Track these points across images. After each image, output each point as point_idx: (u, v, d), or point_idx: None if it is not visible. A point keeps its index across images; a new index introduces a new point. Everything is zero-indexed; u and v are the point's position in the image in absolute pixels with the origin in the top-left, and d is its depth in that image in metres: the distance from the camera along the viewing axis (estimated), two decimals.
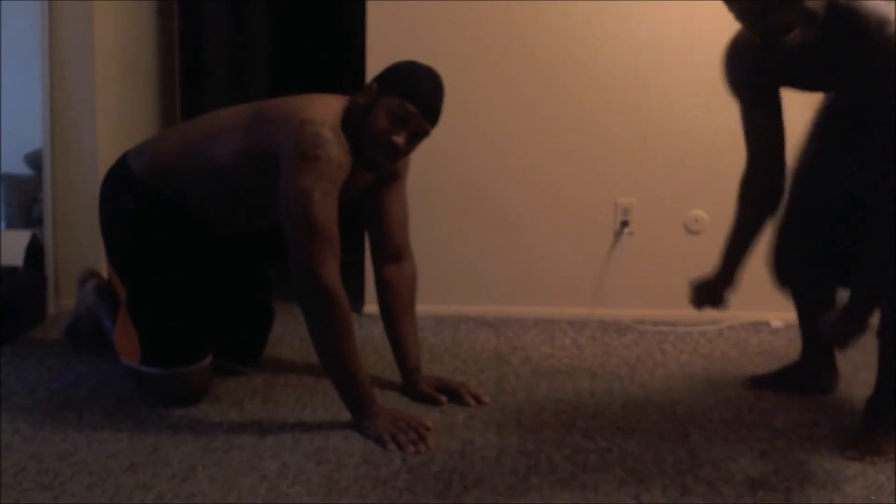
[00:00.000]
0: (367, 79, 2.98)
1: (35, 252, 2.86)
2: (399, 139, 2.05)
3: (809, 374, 2.29)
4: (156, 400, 2.11)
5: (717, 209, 2.88)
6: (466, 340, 2.75)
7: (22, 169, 3.00)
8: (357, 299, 3.06)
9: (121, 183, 2.23)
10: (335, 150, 1.98)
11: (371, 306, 3.03)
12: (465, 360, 2.54)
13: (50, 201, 2.90)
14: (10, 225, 3.00)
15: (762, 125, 2.03)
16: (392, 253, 2.32)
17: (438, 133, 3.03)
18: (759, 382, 2.32)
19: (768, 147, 2.05)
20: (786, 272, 2.19)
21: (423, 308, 3.03)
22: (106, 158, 2.91)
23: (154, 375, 2.12)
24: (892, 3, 1.76)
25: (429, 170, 3.02)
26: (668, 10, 2.88)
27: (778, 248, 2.18)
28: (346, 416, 2.07)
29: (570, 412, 2.14)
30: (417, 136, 2.10)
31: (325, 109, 2.03)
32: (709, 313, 2.86)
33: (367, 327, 2.87)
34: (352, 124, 2.05)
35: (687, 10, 2.87)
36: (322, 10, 5.40)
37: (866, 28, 1.73)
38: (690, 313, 2.87)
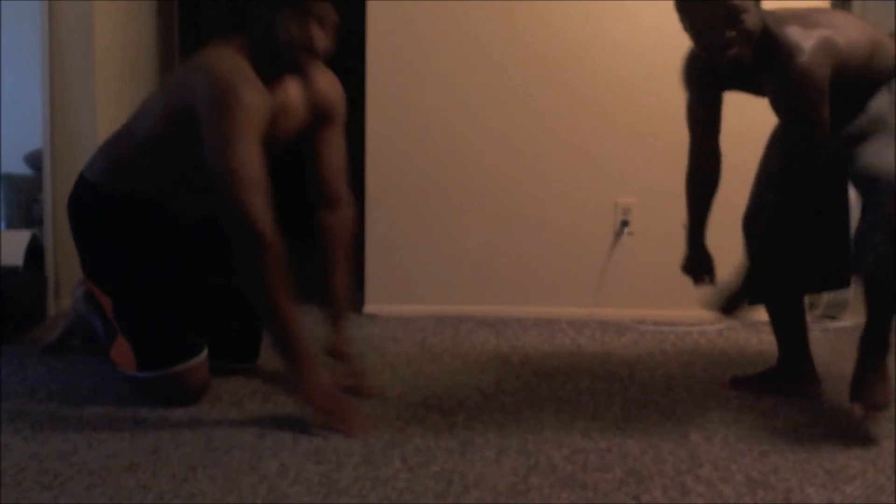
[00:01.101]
0: (368, 79, 2.98)
1: (35, 252, 2.86)
2: (313, 34, 2.03)
3: (789, 379, 2.30)
4: (156, 401, 2.11)
5: (717, 209, 2.88)
6: (466, 340, 2.75)
7: (22, 169, 3.00)
8: (357, 299, 3.07)
9: (81, 196, 2.25)
10: (248, 93, 1.97)
11: (371, 306, 3.04)
12: (465, 360, 2.54)
13: (50, 201, 2.90)
14: (10, 225, 3.00)
15: (705, 120, 2.24)
16: (329, 198, 2.30)
17: (438, 133, 3.05)
18: (739, 383, 2.33)
19: (708, 139, 2.26)
20: (760, 287, 2.25)
21: (423, 308, 3.04)
22: None
23: (152, 379, 2.12)
24: (817, 32, 1.96)
25: (429, 169, 3.02)
26: (669, 9, 2.86)
27: (751, 262, 2.24)
28: None
29: (570, 412, 2.14)
30: (327, 25, 2.07)
31: (231, 55, 2.02)
32: (709, 313, 2.89)
33: (368, 327, 2.87)
34: (262, 57, 2.04)
35: None
36: None
37: (781, 51, 1.96)
38: (690, 313, 2.89)
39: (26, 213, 3.02)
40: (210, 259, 2.34)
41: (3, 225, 3.00)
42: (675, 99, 2.93)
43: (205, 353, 2.17)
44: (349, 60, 3.21)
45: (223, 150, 1.96)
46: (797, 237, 2.17)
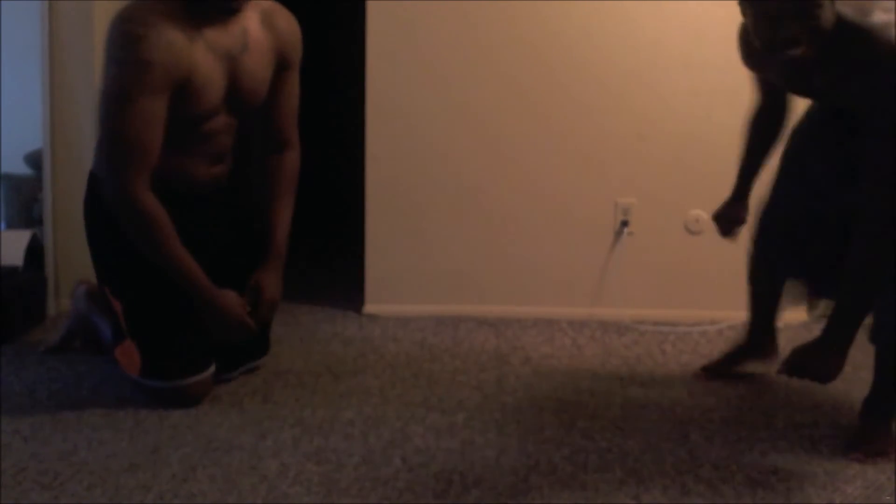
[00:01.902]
0: (368, 79, 2.98)
1: (35, 252, 2.86)
2: None
3: (753, 353, 2.37)
4: (156, 403, 2.11)
5: None
6: (466, 340, 2.75)
7: (22, 169, 3.00)
8: (357, 299, 3.06)
9: (93, 193, 2.20)
10: (155, 51, 1.92)
11: (371, 306, 3.04)
12: (465, 360, 2.54)
13: (50, 201, 2.90)
14: (10, 225, 3.00)
15: (768, 81, 2.11)
16: (279, 143, 2.29)
17: (438, 133, 3.05)
18: (711, 369, 2.40)
19: (775, 92, 2.14)
20: (759, 268, 2.29)
21: (423, 308, 3.04)
22: None
23: (156, 388, 2.12)
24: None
25: (428, 170, 3.02)
26: (669, 9, 2.87)
27: (756, 243, 2.26)
28: (346, 416, 2.08)
29: (570, 412, 2.14)
30: None
31: (151, 6, 1.97)
32: (709, 313, 2.89)
33: (368, 327, 2.87)
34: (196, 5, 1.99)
35: (687, 11, 2.87)
36: (322, 10, 5.40)
37: (877, 55, 1.72)
38: (690, 313, 2.89)
39: (26, 213, 3.01)
40: (222, 238, 2.28)
41: (3, 225, 3.00)
42: (675, 99, 2.94)
43: (211, 369, 2.15)
44: (349, 61, 3.21)
45: (112, 112, 1.96)
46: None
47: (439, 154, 3.01)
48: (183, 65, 1.97)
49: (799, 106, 2.18)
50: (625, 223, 2.98)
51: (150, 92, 1.93)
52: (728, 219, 2.32)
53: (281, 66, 2.21)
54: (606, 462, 1.85)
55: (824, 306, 2.91)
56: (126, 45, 1.94)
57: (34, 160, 2.96)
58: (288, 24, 2.21)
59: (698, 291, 2.95)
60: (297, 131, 2.32)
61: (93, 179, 2.21)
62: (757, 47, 1.86)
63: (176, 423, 2.01)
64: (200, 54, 2.01)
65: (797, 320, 2.71)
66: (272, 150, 2.28)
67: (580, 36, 2.93)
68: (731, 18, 2.01)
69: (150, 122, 1.95)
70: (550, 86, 2.97)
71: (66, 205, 2.92)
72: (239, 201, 2.37)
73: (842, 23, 1.75)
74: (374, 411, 2.11)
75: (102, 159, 2.00)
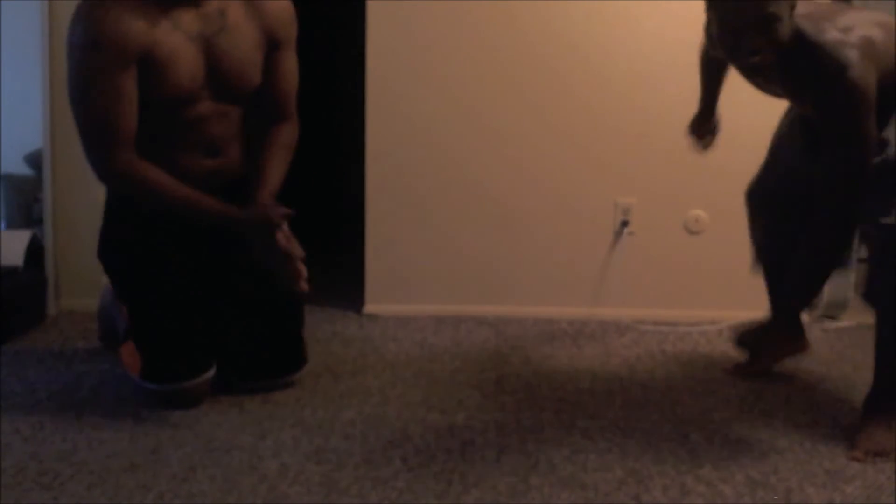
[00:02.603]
0: (368, 79, 2.98)
1: (35, 252, 2.86)
2: None
3: (782, 336, 2.33)
4: (155, 403, 2.11)
5: (717, 209, 2.89)
6: (466, 340, 2.75)
7: (22, 169, 3.00)
8: (357, 299, 3.06)
9: (108, 196, 2.23)
10: (104, 29, 1.94)
11: (371, 306, 3.04)
12: (465, 360, 2.54)
13: (50, 201, 2.90)
14: (10, 225, 3.00)
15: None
16: (278, 118, 2.26)
17: (438, 133, 3.05)
18: (744, 370, 2.38)
19: None
20: (758, 256, 2.33)
21: (423, 308, 3.04)
22: None
23: (152, 390, 2.12)
24: (856, 34, 1.86)
25: (429, 169, 3.02)
26: (669, 9, 2.87)
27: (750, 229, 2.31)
28: (345, 416, 2.08)
29: (570, 412, 2.14)
30: None
31: None
32: (709, 313, 2.89)
33: (368, 327, 2.87)
34: None
35: (688, 10, 2.85)
36: (322, 10, 5.40)
37: (822, 61, 1.85)
38: (690, 313, 2.89)
39: (26, 213, 3.01)
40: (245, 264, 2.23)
41: (3, 225, 2.99)
42: (675, 99, 2.93)
43: (210, 373, 2.13)
44: (349, 60, 3.21)
45: (78, 98, 2.00)
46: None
47: (440, 154, 3.01)
48: (138, 40, 1.97)
49: None
50: (625, 223, 2.98)
51: (108, 69, 1.95)
52: (703, 127, 2.35)
53: (272, 46, 2.19)
54: (606, 462, 1.85)
55: (823, 306, 2.92)
56: (77, 28, 1.98)
57: (34, 160, 2.96)
58: (274, 3, 2.18)
59: (698, 291, 2.95)
60: (295, 109, 2.29)
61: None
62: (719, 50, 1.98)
63: (176, 423, 2.01)
64: (162, 32, 2.00)
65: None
66: (269, 124, 2.26)
67: (581, 35, 2.93)
68: None
69: (116, 99, 1.96)
70: (551, 86, 2.97)
71: (66, 205, 2.92)
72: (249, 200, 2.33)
73: (799, 36, 1.86)
74: (374, 411, 2.11)
75: (82, 145, 2.02)
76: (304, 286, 2.06)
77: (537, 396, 2.24)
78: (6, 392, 2.18)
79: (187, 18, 2.04)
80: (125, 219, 2.18)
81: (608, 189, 2.99)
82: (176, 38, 2.02)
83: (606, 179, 2.99)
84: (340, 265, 3.44)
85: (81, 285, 2.94)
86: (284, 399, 2.18)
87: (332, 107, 3.79)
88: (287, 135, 2.26)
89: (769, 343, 2.27)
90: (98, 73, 1.96)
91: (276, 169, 2.19)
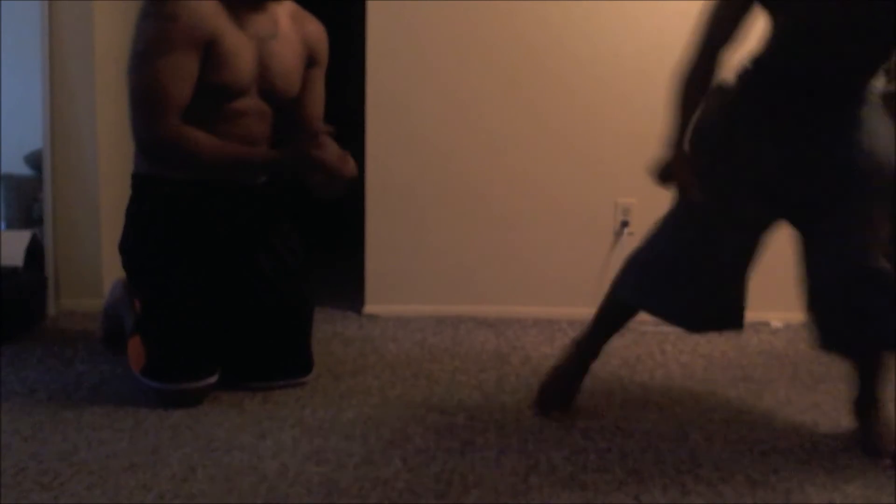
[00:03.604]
0: (368, 79, 2.98)
1: (35, 252, 2.86)
2: None
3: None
4: (155, 401, 2.11)
5: None
6: (466, 340, 2.75)
7: (22, 169, 3.00)
8: (357, 299, 3.06)
9: (133, 193, 2.23)
10: (178, 8, 1.99)
11: (371, 306, 3.04)
12: (465, 360, 2.54)
13: (50, 201, 2.90)
14: (10, 225, 3.00)
15: (733, 18, 1.96)
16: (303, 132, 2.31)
17: (438, 133, 3.05)
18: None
19: (725, 41, 1.98)
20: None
21: (423, 308, 3.04)
22: (106, 158, 2.92)
23: (153, 388, 2.12)
24: None
25: (428, 170, 3.02)
26: (670, 9, 2.87)
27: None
28: (345, 416, 2.08)
29: (570, 412, 2.14)
30: None
31: None
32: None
33: (368, 327, 2.87)
34: None
35: (688, 10, 2.86)
36: (322, 10, 5.40)
37: None
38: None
39: (26, 213, 3.01)
40: (258, 236, 2.27)
41: (3, 225, 3.00)
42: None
43: (213, 378, 2.13)
44: (349, 60, 3.21)
45: (139, 65, 2.01)
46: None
47: (439, 154, 3.02)
48: (207, 26, 2.04)
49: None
50: (625, 223, 2.99)
51: (178, 43, 2.00)
52: (682, 171, 2.12)
53: (310, 62, 2.30)
54: (606, 462, 1.85)
55: None
56: (151, 4, 2.02)
57: (34, 160, 2.96)
58: (315, 26, 2.32)
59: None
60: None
61: (133, 179, 2.23)
62: None
63: (176, 423, 2.01)
64: (226, 25, 2.08)
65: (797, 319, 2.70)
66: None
67: (580, 35, 2.93)
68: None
69: (176, 72, 2.01)
70: (551, 86, 2.97)
71: (66, 205, 2.93)
72: (277, 203, 2.35)
73: None
74: (374, 411, 2.11)
75: (130, 115, 2.04)
76: (348, 173, 2.10)
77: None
78: (6, 392, 2.18)
79: (246, 18, 2.13)
80: (147, 216, 2.18)
81: (608, 189, 2.99)
82: (237, 35, 2.11)
83: (606, 179, 2.99)
84: (340, 265, 3.44)
85: (81, 285, 2.95)
86: (284, 399, 2.18)
87: (332, 107, 3.78)
88: None
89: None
90: (168, 44, 2.00)
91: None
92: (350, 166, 2.11)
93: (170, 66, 2.00)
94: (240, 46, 2.10)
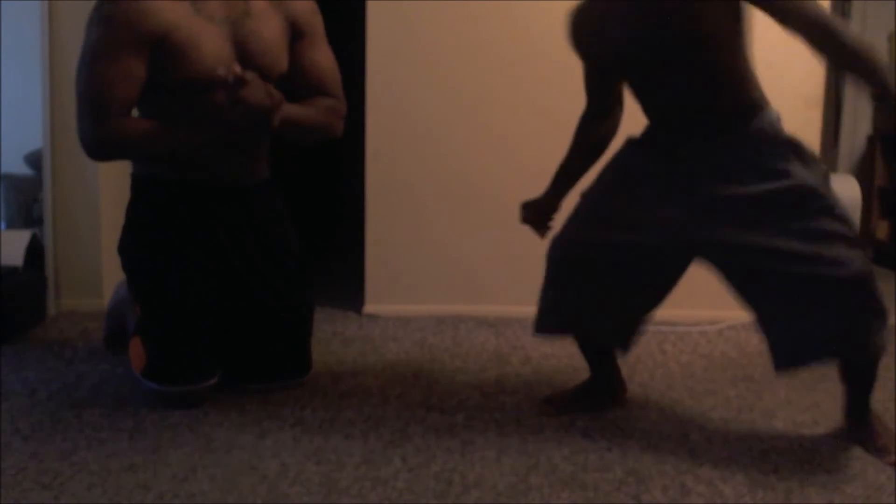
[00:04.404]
0: (368, 79, 2.98)
1: (35, 252, 2.86)
2: None
3: (603, 390, 2.20)
4: (155, 401, 2.11)
5: None
6: (466, 340, 2.75)
7: (22, 169, 3.00)
8: (357, 299, 3.06)
9: (132, 194, 2.23)
10: (127, 9, 1.97)
11: (371, 306, 3.04)
12: (465, 360, 2.55)
13: (50, 201, 2.90)
14: (10, 225, 3.00)
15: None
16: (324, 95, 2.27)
17: (438, 132, 3.05)
18: (553, 401, 2.16)
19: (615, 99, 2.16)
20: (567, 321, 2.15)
21: (423, 308, 3.04)
22: None
23: (152, 389, 2.12)
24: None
25: (429, 169, 3.02)
26: None
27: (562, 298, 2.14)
28: (346, 416, 2.08)
29: (570, 412, 2.14)
30: None
31: None
32: (709, 313, 2.89)
33: (367, 327, 2.87)
34: None
35: None
36: (322, 10, 5.41)
37: None
38: (690, 313, 2.89)
39: (26, 213, 3.02)
40: (257, 236, 2.24)
41: (3, 225, 3.00)
42: None
43: (212, 381, 2.13)
44: (349, 60, 3.21)
45: (79, 67, 2.01)
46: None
47: (440, 153, 3.02)
48: (149, 24, 2.00)
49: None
50: None
51: (117, 46, 1.98)
52: (534, 215, 2.26)
53: (296, 35, 2.23)
54: (606, 462, 1.85)
55: None
56: (94, 8, 2.01)
57: (34, 160, 2.96)
58: None
59: (698, 291, 2.94)
60: (342, 94, 2.29)
61: (132, 180, 2.23)
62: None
63: (176, 423, 2.01)
64: (181, 17, 2.03)
65: None
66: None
67: None
68: None
69: (118, 76, 1.98)
70: (551, 86, 2.97)
71: (66, 205, 2.93)
72: (274, 205, 2.31)
73: None
74: (374, 411, 2.11)
75: (76, 115, 2.04)
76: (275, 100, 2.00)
77: (537, 396, 2.24)
78: (6, 392, 2.19)
79: (210, 4, 2.08)
80: (147, 217, 2.18)
81: None
82: (197, 22, 2.05)
83: None
84: (340, 265, 3.45)
85: (81, 285, 2.95)
86: (284, 399, 2.18)
87: None
88: (332, 105, 2.25)
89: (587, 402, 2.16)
90: (106, 49, 1.98)
91: (305, 114, 2.18)
92: (275, 96, 2.00)
93: (109, 71, 1.98)
94: (201, 35, 2.05)
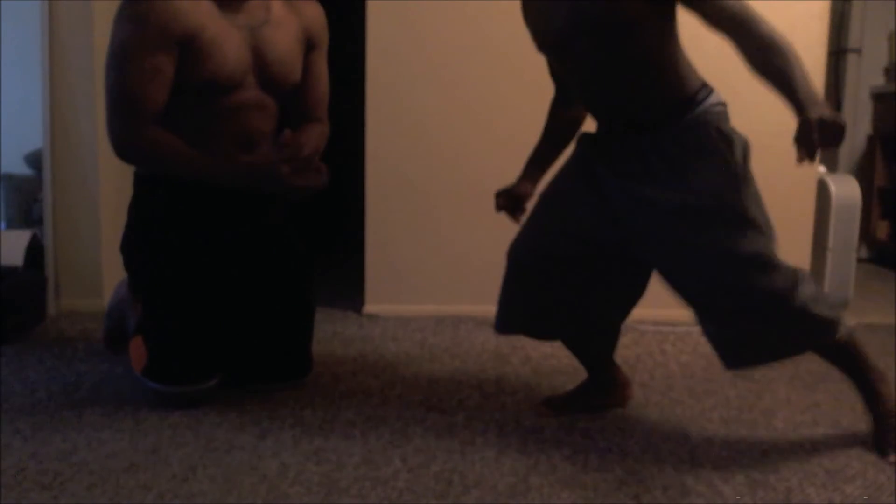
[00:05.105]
0: (368, 79, 2.98)
1: (35, 252, 2.86)
2: None
3: (601, 390, 2.18)
4: (155, 400, 2.12)
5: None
6: (466, 340, 2.75)
7: (22, 169, 3.01)
8: (357, 299, 3.06)
9: (135, 193, 2.23)
10: (149, 8, 1.98)
11: (371, 306, 3.04)
12: (465, 360, 2.55)
13: (50, 201, 2.91)
14: (10, 225, 3.00)
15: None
16: (308, 119, 2.30)
17: (438, 132, 3.05)
18: (554, 404, 2.15)
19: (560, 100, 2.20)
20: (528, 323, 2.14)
21: (423, 308, 3.04)
22: (106, 158, 2.92)
23: (153, 389, 2.12)
24: None
25: (429, 169, 3.02)
26: None
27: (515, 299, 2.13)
28: (346, 416, 2.08)
29: (570, 412, 2.14)
30: None
31: None
32: None
33: (367, 327, 2.87)
34: None
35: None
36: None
37: None
38: (690, 313, 2.88)
39: (26, 213, 3.02)
40: (259, 236, 2.25)
41: (3, 225, 3.00)
42: None
43: (213, 381, 2.13)
44: (349, 61, 3.21)
45: (109, 66, 2.02)
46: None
47: (440, 153, 3.02)
48: (179, 24, 2.01)
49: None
50: None
51: (149, 46, 1.99)
52: (509, 201, 2.23)
53: (309, 46, 2.27)
54: (606, 462, 1.85)
55: None
56: (124, 6, 2.02)
57: (34, 160, 2.96)
58: (312, 8, 2.28)
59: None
60: (327, 113, 2.35)
61: (135, 179, 2.23)
62: None
63: (176, 423, 2.01)
64: (206, 18, 2.05)
65: None
66: (302, 124, 2.29)
67: None
68: None
69: (149, 76, 2.00)
70: (551, 86, 2.97)
71: (66, 205, 2.93)
72: (275, 204, 2.30)
73: None
74: (374, 411, 2.11)
75: (106, 116, 2.05)
76: (318, 181, 2.08)
77: (537, 396, 2.24)
78: (6, 392, 2.19)
79: (236, 8, 2.11)
80: (149, 217, 2.18)
81: None
82: (222, 25, 2.08)
83: None
84: (340, 265, 3.45)
85: (81, 285, 2.95)
86: (284, 399, 2.18)
87: (332, 107, 3.79)
88: (318, 132, 2.29)
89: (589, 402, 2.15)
90: (138, 48, 1.99)
91: (312, 137, 2.22)
92: (321, 177, 2.07)
93: (142, 70, 1.99)
94: (225, 38, 2.07)
